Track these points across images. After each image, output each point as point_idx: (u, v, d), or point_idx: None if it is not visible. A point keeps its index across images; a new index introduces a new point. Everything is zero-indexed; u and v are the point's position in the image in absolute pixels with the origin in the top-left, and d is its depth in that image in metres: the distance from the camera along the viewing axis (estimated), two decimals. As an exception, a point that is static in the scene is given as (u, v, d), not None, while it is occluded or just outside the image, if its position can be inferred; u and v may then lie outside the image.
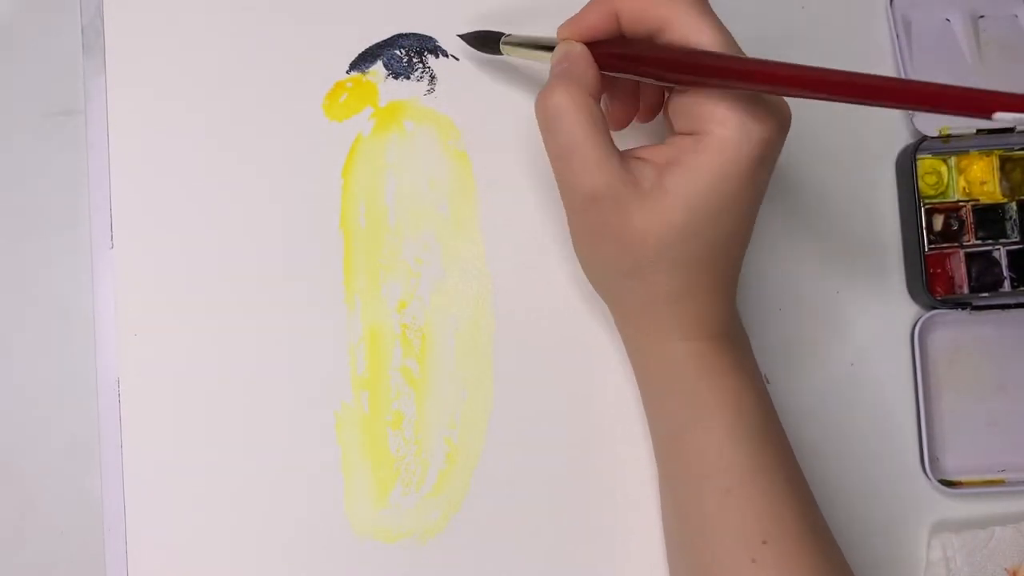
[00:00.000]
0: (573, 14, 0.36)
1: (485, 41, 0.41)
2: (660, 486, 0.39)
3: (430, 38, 0.43)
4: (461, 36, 0.42)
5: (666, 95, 0.36)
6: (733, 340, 0.37)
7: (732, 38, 0.33)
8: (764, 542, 0.34)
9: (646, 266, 0.34)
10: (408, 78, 0.43)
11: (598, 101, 0.34)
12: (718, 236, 0.34)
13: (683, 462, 0.36)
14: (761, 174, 0.34)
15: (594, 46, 0.35)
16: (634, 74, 0.35)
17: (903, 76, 0.44)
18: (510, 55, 0.40)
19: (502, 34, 0.40)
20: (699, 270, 0.35)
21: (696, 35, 0.33)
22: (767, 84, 0.31)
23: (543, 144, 0.35)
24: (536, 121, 0.35)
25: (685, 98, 0.34)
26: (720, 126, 0.32)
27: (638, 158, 0.34)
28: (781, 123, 0.34)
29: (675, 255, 0.34)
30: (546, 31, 0.40)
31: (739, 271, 0.37)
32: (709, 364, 0.36)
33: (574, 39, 0.35)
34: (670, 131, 0.36)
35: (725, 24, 0.46)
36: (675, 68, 0.33)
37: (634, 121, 0.39)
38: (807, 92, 0.30)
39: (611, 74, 0.35)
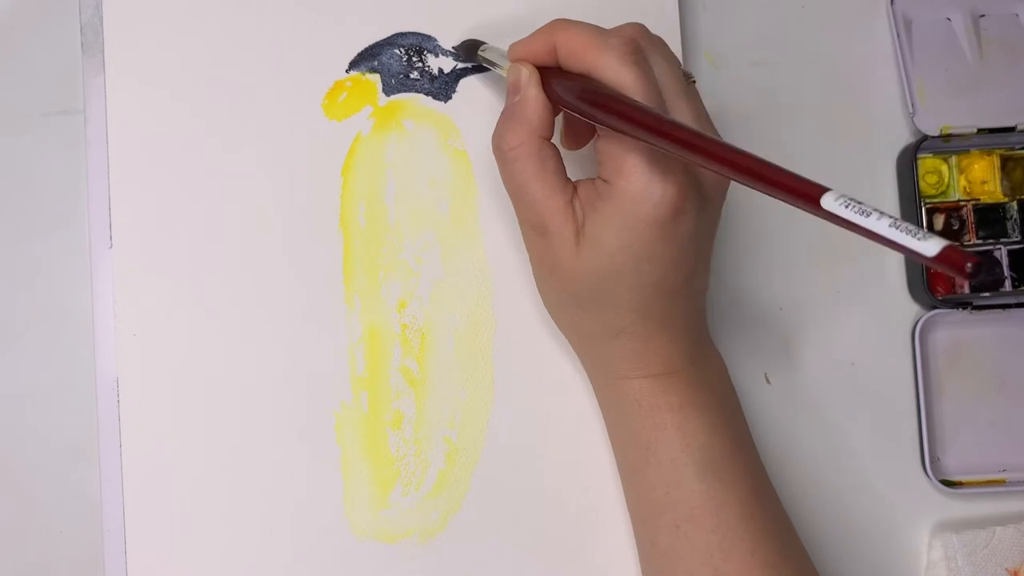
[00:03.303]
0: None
1: (470, 50, 0.41)
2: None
3: (430, 37, 0.43)
4: (455, 47, 0.42)
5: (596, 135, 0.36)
6: (686, 376, 0.37)
7: (656, 90, 0.34)
8: None
9: (580, 303, 0.36)
10: (405, 79, 0.42)
11: (549, 136, 0.36)
12: (643, 283, 0.34)
13: (638, 496, 0.37)
14: (677, 228, 0.33)
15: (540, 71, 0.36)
16: (564, 106, 0.35)
17: (904, 76, 0.44)
18: (486, 64, 0.41)
19: (482, 43, 0.41)
20: (630, 313, 0.35)
21: (617, 85, 0.33)
22: (648, 133, 0.31)
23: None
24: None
25: (605, 143, 0.34)
26: (624, 179, 0.33)
27: (577, 195, 0.35)
28: (699, 184, 0.34)
29: (601, 297, 0.35)
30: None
31: (692, 309, 0.37)
32: (651, 403, 0.36)
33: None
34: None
35: (725, 24, 0.46)
36: (583, 99, 0.34)
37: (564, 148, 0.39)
38: (684, 152, 0.30)
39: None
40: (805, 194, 0.27)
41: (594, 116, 0.34)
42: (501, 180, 0.37)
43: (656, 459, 0.36)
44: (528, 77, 0.36)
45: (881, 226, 0.25)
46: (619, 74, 0.33)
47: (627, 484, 0.38)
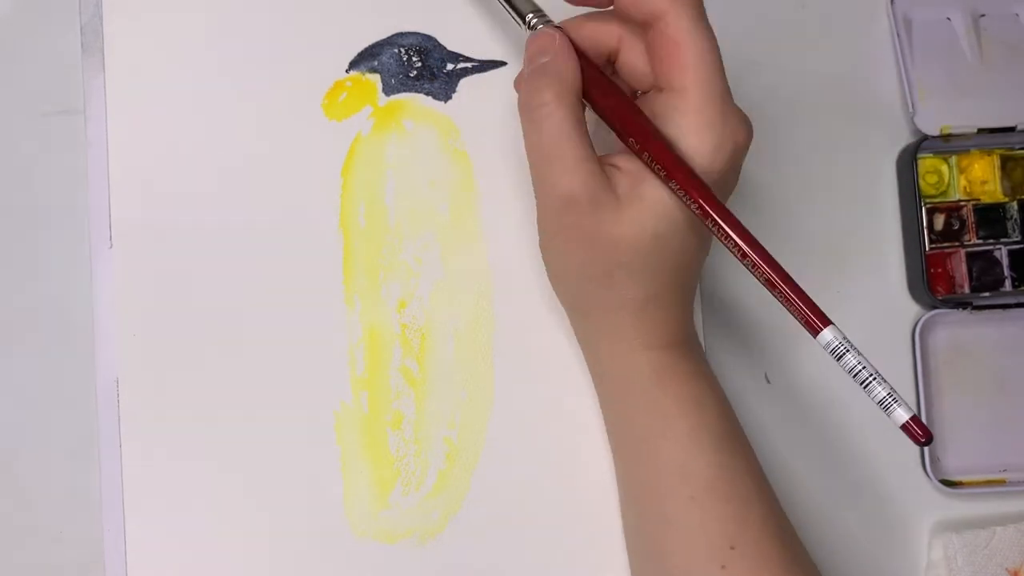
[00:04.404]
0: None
1: None
2: (621, 495, 0.39)
3: (430, 37, 0.43)
4: None
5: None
6: (691, 347, 0.37)
7: (716, 53, 0.34)
8: (732, 547, 0.34)
9: (616, 271, 0.35)
10: (405, 79, 0.42)
11: (580, 100, 0.34)
12: (686, 246, 0.35)
13: (647, 471, 0.37)
14: (728, 183, 0.35)
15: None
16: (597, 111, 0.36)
17: (904, 76, 0.44)
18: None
19: None
20: (665, 278, 0.35)
21: (683, 38, 0.33)
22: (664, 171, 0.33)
23: (523, 139, 0.35)
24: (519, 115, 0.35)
25: (654, 106, 0.34)
26: (692, 136, 0.33)
27: (613, 165, 0.35)
28: (747, 134, 0.35)
29: (644, 262, 0.35)
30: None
31: (698, 281, 0.38)
32: (670, 372, 0.36)
33: None
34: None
35: (725, 24, 0.46)
36: (608, 112, 0.35)
37: None
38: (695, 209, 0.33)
39: None
40: (809, 322, 0.31)
41: (629, 144, 0.34)
42: (526, 149, 0.35)
43: (674, 431, 0.35)
44: (561, 40, 0.34)
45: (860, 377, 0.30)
46: (689, 27, 0.33)
47: (636, 460, 0.37)
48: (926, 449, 0.42)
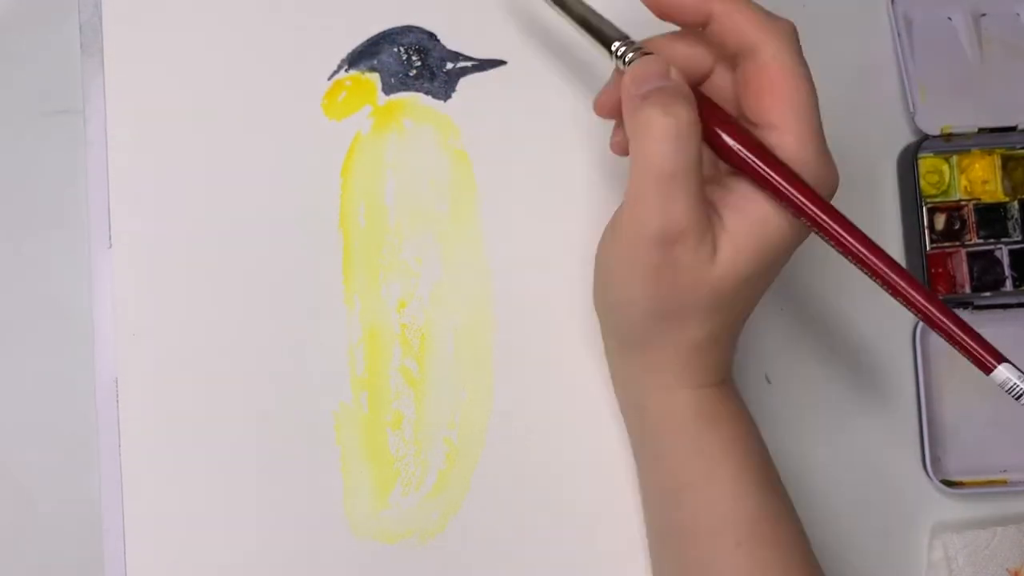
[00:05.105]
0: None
1: None
2: (653, 542, 0.38)
3: (431, 35, 0.43)
4: None
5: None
6: (731, 385, 0.36)
7: (813, 90, 0.32)
8: None
9: (689, 312, 0.33)
10: (404, 79, 0.42)
11: (700, 131, 0.31)
12: (763, 287, 0.34)
13: (688, 516, 0.35)
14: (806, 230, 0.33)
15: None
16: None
17: (904, 75, 0.44)
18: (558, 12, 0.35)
19: None
20: (731, 319, 0.34)
21: (780, 73, 0.31)
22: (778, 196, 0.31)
23: (631, 155, 0.31)
24: (628, 127, 0.31)
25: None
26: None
27: (724, 187, 0.33)
28: (836, 180, 0.34)
29: (721, 303, 0.33)
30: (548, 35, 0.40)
31: None
32: (713, 412, 0.35)
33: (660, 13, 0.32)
34: (719, 169, 0.34)
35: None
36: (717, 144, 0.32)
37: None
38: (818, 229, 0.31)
39: None
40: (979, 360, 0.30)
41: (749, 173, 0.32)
42: (635, 176, 0.31)
43: (719, 474, 0.34)
44: (675, 70, 0.31)
45: None
46: (790, 70, 0.31)
47: (675, 506, 0.35)
48: (927, 449, 0.42)
